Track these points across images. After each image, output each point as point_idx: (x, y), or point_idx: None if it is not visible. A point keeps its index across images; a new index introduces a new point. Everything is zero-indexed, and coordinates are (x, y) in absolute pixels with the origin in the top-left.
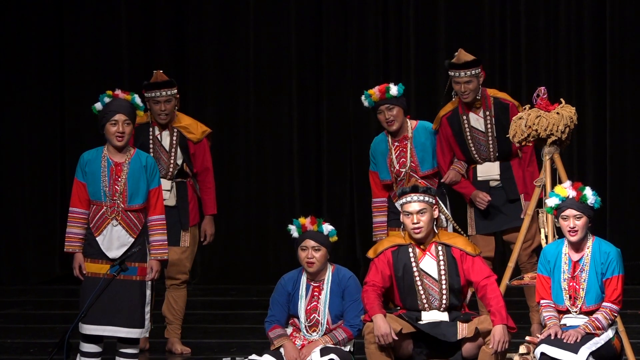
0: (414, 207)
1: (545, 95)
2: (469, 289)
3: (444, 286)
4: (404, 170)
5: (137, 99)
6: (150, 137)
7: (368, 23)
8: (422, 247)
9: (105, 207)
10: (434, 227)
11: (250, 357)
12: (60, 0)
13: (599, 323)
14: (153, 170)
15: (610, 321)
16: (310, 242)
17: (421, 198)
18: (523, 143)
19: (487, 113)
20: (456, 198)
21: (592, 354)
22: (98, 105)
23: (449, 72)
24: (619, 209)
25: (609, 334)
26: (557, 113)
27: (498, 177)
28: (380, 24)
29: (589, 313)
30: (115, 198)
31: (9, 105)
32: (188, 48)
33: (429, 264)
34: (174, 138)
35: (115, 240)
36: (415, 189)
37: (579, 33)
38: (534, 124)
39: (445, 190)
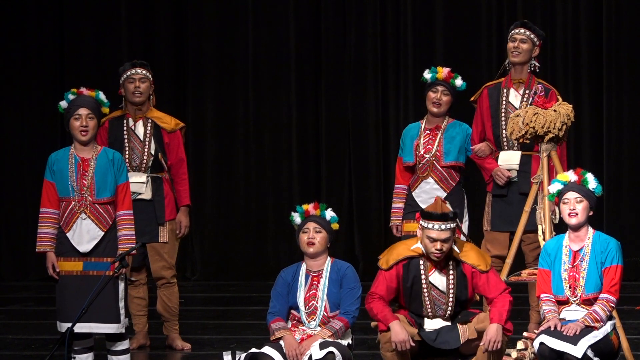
0: (439, 235)
1: (543, 93)
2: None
3: (450, 298)
4: (427, 156)
5: (102, 95)
6: (125, 128)
7: (366, 21)
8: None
9: (73, 202)
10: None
11: (250, 350)
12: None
13: (597, 315)
14: (120, 166)
15: (608, 312)
16: (312, 224)
17: (448, 227)
18: (520, 140)
19: (527, 92)
20: (474, 198)
21: (590, 347)
22: (63, 103)
23: (510, 33)
24: (615, 206)
25: (607, 328)
26: (555, 110)
27: (517, 167)
28: (378, 22)
29: (588, 302)
30: (83, 192)
31: (9, 103)
32: (187, 46)
33: (438, 278)
34: (148, 128)
35: (85, 234)
36: (444, 217)
37: (576, 30)
38: (531, 122)
39: (464, 189)
